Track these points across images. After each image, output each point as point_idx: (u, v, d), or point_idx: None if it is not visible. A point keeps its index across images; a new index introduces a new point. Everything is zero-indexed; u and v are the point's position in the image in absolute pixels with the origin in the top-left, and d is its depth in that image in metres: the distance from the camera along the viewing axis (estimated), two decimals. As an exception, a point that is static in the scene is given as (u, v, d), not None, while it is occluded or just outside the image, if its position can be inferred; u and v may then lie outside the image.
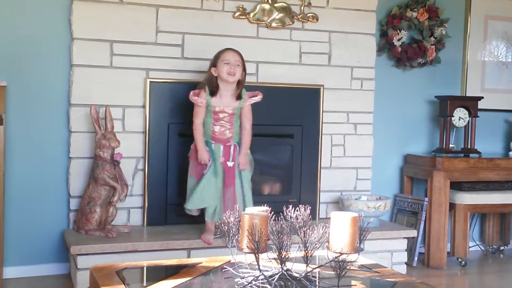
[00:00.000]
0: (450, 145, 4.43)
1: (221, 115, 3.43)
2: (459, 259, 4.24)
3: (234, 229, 2.22)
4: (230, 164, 3.44)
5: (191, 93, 3.42)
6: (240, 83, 3.45)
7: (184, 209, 3.48)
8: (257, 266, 2.15)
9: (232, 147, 3.46)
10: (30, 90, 3.59)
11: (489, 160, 4.32)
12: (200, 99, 3.39)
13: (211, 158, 3.40)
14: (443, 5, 4.46)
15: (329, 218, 2.15)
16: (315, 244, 2.11)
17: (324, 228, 2.13)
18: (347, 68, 4.18)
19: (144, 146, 3.72)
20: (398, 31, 4.28)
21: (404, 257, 3.99)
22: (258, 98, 3.51)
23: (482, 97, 4.50)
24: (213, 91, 3.41)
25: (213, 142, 3.44)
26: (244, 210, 3.20)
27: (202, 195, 3.38)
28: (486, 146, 4.67)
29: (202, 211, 3.48)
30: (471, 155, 4.38)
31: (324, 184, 4.13)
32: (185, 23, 3.77)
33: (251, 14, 3.91)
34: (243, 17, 3.90)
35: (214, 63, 3.41)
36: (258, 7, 3.92)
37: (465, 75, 4.68)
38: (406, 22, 4.30)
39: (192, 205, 3.42)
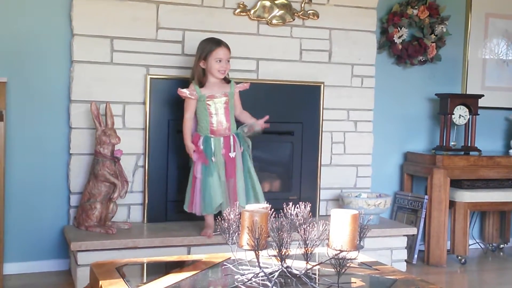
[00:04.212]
0: (451, 143, 4.43)
1: (216, 104, 3.42)
2: (459, 257, 4.24)
3: (234, 226, 2.22)
4: (232, 155, 3.44)
5: (179, 88, 3.42)
6: None
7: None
8: (257, 263, 2.15)
9: (231, 138, 3.46)
10: (31, 86, 3.59)
11: (489, 158, 4.32)
12: (189, 91, 3.40)
13: (208, 156, 3.40)
14: (444, 2, 4.46)
15: (329, 215, 2.15)
16: (315, 242, 2.11)
17: (324, 225, 2.13)
18: (347, 66, 4.17)
19: (144, 143, 3.72)
20: (399, 28, 4.28)
21: (404, 254, 4.00)
22: (247, 85, 3.55)
23: (483, 95, 4.50)
24: (202, 83, 3.42)
25: (212, 136, 3.43)
26: (250, 202, 3.24)
27: (211, 196, 3.38)
28: (486, 144, 4.67)
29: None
30: (471, 153, 4.38)
31: (324, 182, 4.14)
32: (185, 19, 3.77)
33: (252, 11, 3.91)
34: (244, 13, 3.90)
35: (205, 57, 3.41)
36: (258, 4, 3.92)
37: (466, 73, 4.68)
38: (406, 19, 4.29)
39: (208, 211, 3.41)
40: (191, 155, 3.42)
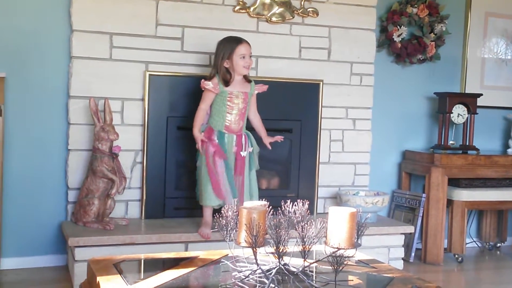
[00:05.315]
0: (450, 142, 4.44)
1: (235, 101, 3.43)
2: (456, 255, 4.25)
3: (232, 223, 2.22)
4: (243, 154, 3.45)
5: (202, 80, 3.42)
6: None
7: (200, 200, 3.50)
8: (254, 260, 2.16)
9: (243, 137, 3.47)
10: (30, 82, 3.58)
11: (487, 157, 4.33)
12: (213, 84, 3.39)
13: (223, 150, 3.40)
14: (443, 1, 4.46)
15: (327, 213, 2.15)
16: (313, 239, 2.11)
17: (322, 223, 2.13)
18: (346, 64, 4.18)
19: (143, 139, 3.72)
20: (398, 27, 4.28)
21: (401, 252, 4.00)
22: (265, 87, 3.57)
23: (481, 94, 4.50)
24: (228, 83, 3.41)
25: (226, 132, 3.44)
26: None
27: (234, 188, 3.40)
28: (485, 143, 4.68)
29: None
30: (469, 151, 4.39)
31: (322, 179, 4.14)
32: (185, 16, 3.77)
33: (251, 8, 3.91)
34: (243, 11, 3.89)
35: (229, 56, 3.40)
36: (258, 1, 3.92)
37: (465, 72, 4.68)
38: (406, 18, 4.29)
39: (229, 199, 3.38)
40: (198, 145, 3.40)
